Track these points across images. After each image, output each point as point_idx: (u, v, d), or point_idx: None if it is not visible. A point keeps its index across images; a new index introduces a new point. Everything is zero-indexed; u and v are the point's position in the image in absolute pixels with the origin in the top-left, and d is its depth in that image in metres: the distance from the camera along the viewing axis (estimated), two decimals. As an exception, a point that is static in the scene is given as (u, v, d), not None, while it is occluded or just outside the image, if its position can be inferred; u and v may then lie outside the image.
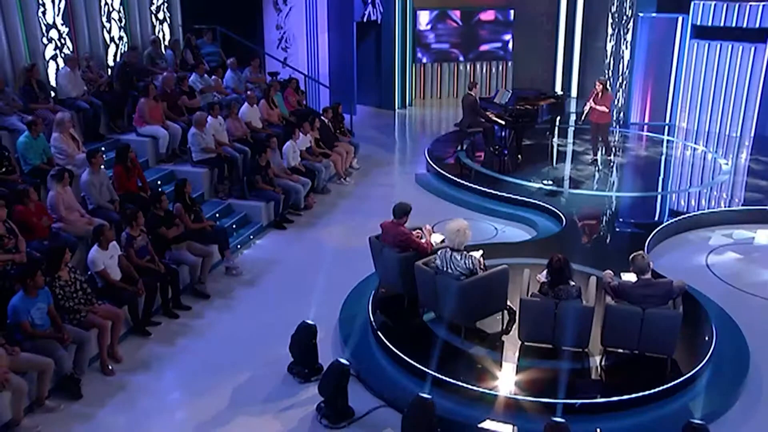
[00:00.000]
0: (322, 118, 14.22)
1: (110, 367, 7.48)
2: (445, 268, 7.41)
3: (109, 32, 12.80)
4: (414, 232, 8.27)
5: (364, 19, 18.44)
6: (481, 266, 7.64)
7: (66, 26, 11.72)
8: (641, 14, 17.31)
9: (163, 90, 12.05)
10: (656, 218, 11.75)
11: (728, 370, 7.27)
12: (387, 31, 19.30)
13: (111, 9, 12.78)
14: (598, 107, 13.63)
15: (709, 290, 8.94)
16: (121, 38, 13.18)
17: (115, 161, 9.82)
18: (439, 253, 7.58)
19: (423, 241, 8.21)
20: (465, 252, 7.47)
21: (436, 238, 8.38)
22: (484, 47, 21.54)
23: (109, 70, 12.66)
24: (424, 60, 21.21)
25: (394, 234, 8.13)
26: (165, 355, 7.89)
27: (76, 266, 7.78)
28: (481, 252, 7.94)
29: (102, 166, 9.38)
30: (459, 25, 21.13)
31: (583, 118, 14.00)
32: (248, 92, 13.51)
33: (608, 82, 14.73)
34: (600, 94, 13.60)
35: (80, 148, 10.01)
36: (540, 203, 11.87)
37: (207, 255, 9.34)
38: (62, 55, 11.55)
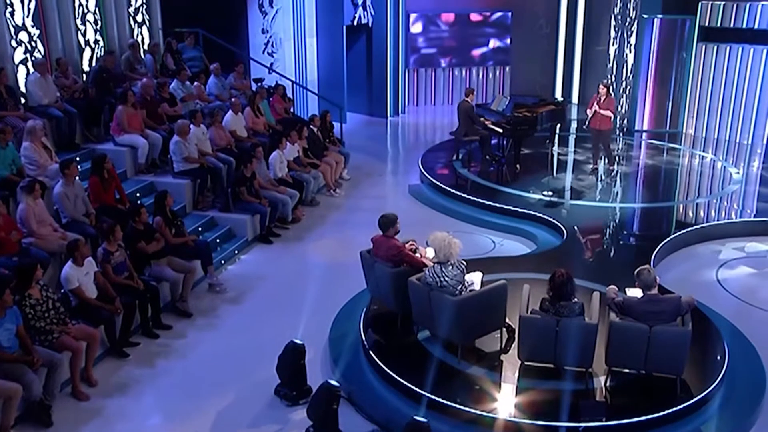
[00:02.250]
0: (311, 126, 14.23)
1: (84, 392, 7.41)
2: (438, 284, 7.40)
3: (84, 35, 12.80)
4: (407, 244, 8.26)
5: (355, 23, 18.51)
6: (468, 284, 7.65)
7: (37, 28, 11.70)
8: (645, 16, 17.42)
9: (142, 97, 12.03)
10: (663, 230, 11.77)
11: (743, 392, 7.25)
12: (378, 35, 19.38)
13: (86, 11, 12.78)
14: (602, 111, 13.66)
15: (720, 306, 8.96)
16: (96, 42, 13.19)
17: (91, 172, 9.76)
18: (427, 271, 7.57)
19: (417, 254, 8.20)
20: (456, 262, 7.47)
21: (429, 253, 8.36)
22: (480, 51, 21.63)
23: (84, 76, 12.65)
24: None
25: (387, 248, 8.11)
26: (144, 377, 7.83)
27: (48, 284, 7.73)
28: (480, 275, 7.95)
29: (77, 178, 9.34)
30: (454, 29, 21.22)
31: (586, 124, 14.03)
32: (232, 99, 13.50)
33: (611, 87, 14.77)
34: (603, 98, 13.65)
35: (53, 158, 9.96)
36: (540, 215, 11.88)
37: (189, 271, 9.31)
38: (33, 59, 11.53)
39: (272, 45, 17.81)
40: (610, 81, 17.66)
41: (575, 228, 11.30)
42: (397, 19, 19.71)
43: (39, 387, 6.89)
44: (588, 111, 13.93)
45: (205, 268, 9.79)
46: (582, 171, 14.35)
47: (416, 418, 6.18)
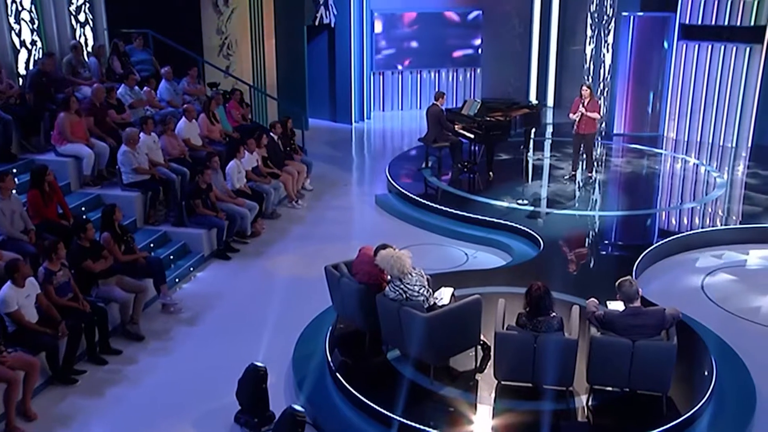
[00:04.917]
0: (270, 134, 14.20)
1: (20, 427, 7.21)
2: (404, 297, 7.42)
3: (18, 35, 12.62)
4: None
5: (316, 23, 18.52)
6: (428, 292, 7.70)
7: (-37, 28, 11.55)
8: (624, 13, 17.65)
9: (91, 103, 11.93)
10: (645, 239, 11.89)
11: (732, 409, 7.33)
12: (342, 36, 19.41)
13: (20, 8, 12.59)
14: (589, 114, 13.78)
15: (706, 318, 9.05)
16: (34, 43, 13.01)
17: (30, 185, 9.67)
18: (387, 289, 7.58)
19: None
20: (412, 271, 7.53)
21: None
22: (450, 53, 21.73)
23: (21, 80, 12.49)
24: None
25: (370, 272, 8.04)
26: (91, 407, 7.72)
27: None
28: (451, 291, 7.98)
29: (13, 191, 9.23)
30: (422, 29, 21.30)
31: (575, 128, 14.05)
32: (186, 105, 13.45)
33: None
34: (588, 100, 13.77)
35: (-14, 171, 9.83)
36: (515, 225, 11.94)
37: (140, 291, 9.23)
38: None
39: (228, 47, 17.73)
40: (589, 83, 17.83)
41: (553, 238, 11.38)
42: (361, 18, 19.75)
43: (-33, 424, 6.74)
44: (571, 115, 14.00)
45: (158, 287, 9.71)
46: (559, 178, 14.47)
47: (387, 444, 6.18)
